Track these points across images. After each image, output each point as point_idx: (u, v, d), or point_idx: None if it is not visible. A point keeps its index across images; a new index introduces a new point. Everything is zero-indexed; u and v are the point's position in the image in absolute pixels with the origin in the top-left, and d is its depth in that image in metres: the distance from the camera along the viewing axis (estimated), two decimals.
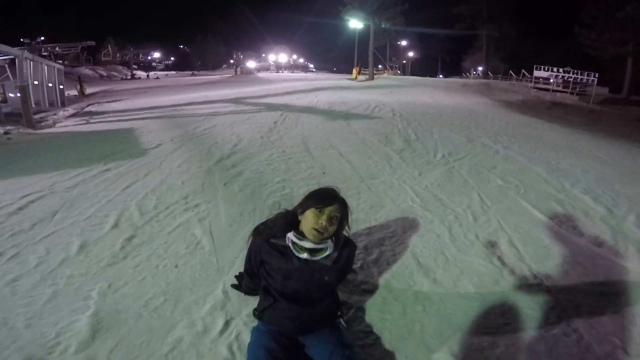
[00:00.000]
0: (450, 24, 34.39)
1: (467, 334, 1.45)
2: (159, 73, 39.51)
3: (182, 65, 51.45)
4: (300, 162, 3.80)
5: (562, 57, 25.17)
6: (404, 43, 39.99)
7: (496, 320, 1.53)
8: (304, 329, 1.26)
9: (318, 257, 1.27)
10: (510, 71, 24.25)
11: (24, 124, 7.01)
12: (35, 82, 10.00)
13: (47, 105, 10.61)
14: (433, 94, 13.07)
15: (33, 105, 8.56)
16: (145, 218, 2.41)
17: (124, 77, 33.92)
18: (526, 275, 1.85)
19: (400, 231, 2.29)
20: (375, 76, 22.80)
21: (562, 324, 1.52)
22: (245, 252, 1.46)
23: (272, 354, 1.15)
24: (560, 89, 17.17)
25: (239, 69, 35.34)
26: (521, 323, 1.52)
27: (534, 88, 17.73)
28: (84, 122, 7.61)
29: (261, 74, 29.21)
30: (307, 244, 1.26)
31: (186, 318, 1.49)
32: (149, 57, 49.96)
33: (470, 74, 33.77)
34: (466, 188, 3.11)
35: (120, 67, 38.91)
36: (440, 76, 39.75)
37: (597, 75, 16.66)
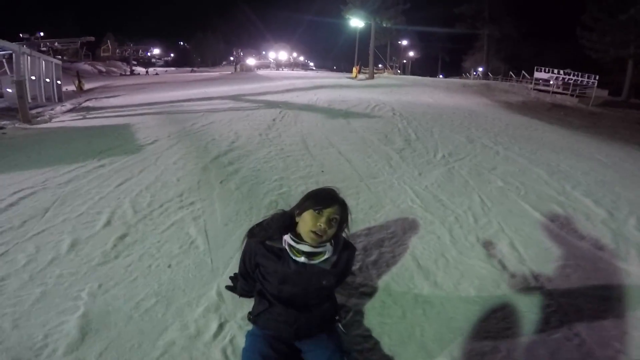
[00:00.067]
0: (451, 23, 34.39)
1: (468, 338, 1.42)
2: (159, 69, 39.30)
3: (182, 61, 51.25)
4: (298, 160, 3.75)
5: (563, 59, 25.22)
6: (404, 42, 39.93)
7: (497, 325, 1.50)
8: (300, 334, 1.21)
9: (316, 261, 1.22)
10: (511, 72, 24.23)
11: (20, 119, 6.93)
12: (33, 77, 9.89)
13: (44, 100, 10.51)
14: (433, 93, 13.03)
15: (29, 100, 8.47)
16: (139, 216, 2.36)
17: (123, 73, 33.71)
18: (527, 278, 1.83)
19: (400, 232, 2.25)
20: (375, 75, 22.75)
21: (564, 328, 1.49)
22: (240, 253, 1.42)
23: None
24: (560, 90, 17.18)
25: (238, 66, 35.21)
26: (523, 327, 1.50)
27: (534, 89, 17.73)
28: (81, 117, 7.54)
29: (261, 72, 29.11)
30: (305, 248, 1.20)
31: (178, 320, 1.45)
32: (149, 54, 49.76)
33: (470, 75, 33.78)
34: (467, 189, 3.08)
35: (119, 63, 38.67)
36: (440, 76, 39.75)
37: (597, 77, 16.67)
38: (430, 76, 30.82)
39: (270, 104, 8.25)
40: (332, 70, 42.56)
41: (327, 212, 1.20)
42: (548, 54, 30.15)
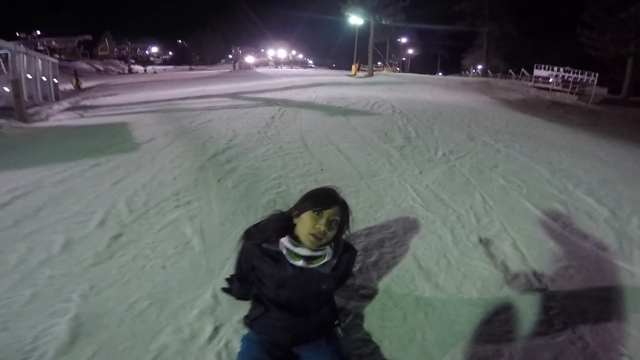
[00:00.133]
0: (450, 21, 34.26)
1: (471, 342, 1.39)
2: (157, 67, 39.14)
3: (180, 60, 51.08)
4: (297, 158, 3.70)
5: (563, 57, 25.12)
6: (403, 40, 39.78)
7: (500, 328, 1.47)
8: (298, 339, 1.16)
9: (315, 265, 1.15)
10: (510, 70, 24.17)
11: (17, 118, 6.87)
12: (29, 76, 9.81)
13: (41, 99, 10.44)
14: (433, 91, 12.98)
15: (26, 99, 8.39)
16: (134, 215, 2.31)
17: (121, 71, 33.53)
18: (530, 280, 1.79)
19: (400, 232, 2.21)
20: (374, 73, 22.66)
21: (568, 331, 1.47)
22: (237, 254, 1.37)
23: None
24: (559, 88, 17.15)
25: (237, 64, 35.05)
26: (526, 330, 1.47)
27: (534, 87, 17.69)
28: (78, 116, 7.47)
29: (260, 69, 28.96)
30: (303, 251, 1.13)
31: (172, 323, 1.41)
32: (147, 52, 49.58)
33: (469, 72, 33.69)
34: (468, 187, 3.04)
35: (117, 62, 38.47)
36: (440, 74, 39.61)
37: (597, 75, 16.65)
38: (430, 74, 30.70)
39: (269, 102, 8.18)
40: (331, 68, 42.32)
41: (327, 213, 1.13)
42: (548, 52, 30.04)
